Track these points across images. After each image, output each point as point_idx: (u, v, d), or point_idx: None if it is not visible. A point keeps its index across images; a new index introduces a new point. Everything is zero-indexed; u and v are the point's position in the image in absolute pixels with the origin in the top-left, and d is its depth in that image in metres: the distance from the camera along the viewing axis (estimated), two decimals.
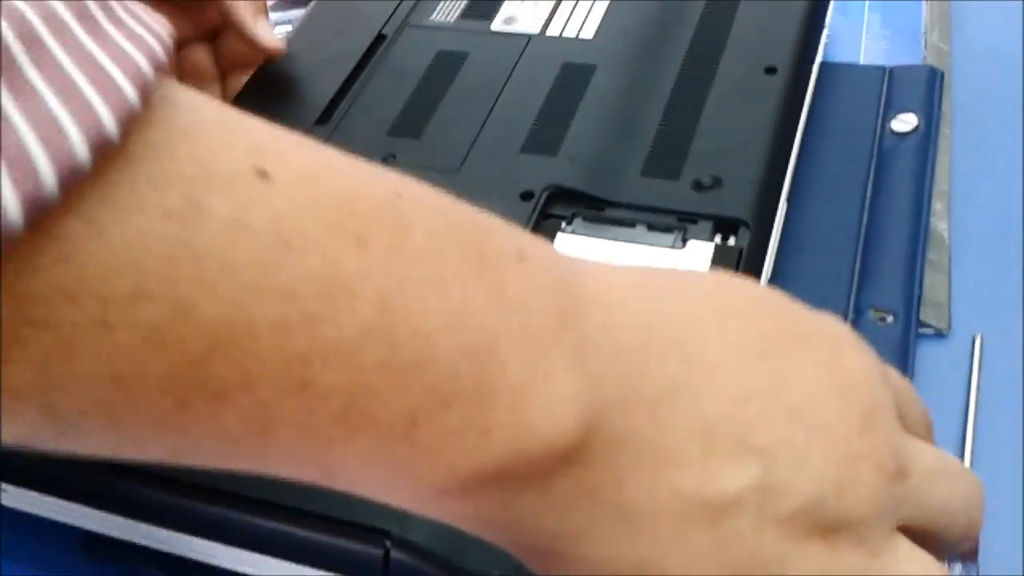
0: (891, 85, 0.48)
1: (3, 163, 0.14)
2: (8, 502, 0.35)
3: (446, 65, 0.46)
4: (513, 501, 0.20)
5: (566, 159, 0.41)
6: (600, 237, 0.38)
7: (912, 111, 0.46)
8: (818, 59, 0.47)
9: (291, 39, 0.50)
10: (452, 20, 0.49)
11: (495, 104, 0.43)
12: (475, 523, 0.21)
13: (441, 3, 0.50)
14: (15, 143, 0.14)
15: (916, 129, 0.45)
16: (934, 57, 0.50)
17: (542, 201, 0.39)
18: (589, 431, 0.20)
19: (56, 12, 0.16)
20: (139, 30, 0.17)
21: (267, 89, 0.47)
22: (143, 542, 0.33)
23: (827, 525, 0.21)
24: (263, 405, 0.17)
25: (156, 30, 0.18)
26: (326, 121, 0.44)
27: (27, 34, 0.15)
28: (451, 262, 0.19)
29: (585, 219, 0.39)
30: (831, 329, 0.24)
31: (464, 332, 0.18)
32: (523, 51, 0.46)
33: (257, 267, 0.17)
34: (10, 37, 0.15)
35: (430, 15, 0.49)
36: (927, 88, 0.47)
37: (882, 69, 0.48)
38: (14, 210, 0.14)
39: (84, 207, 0.15)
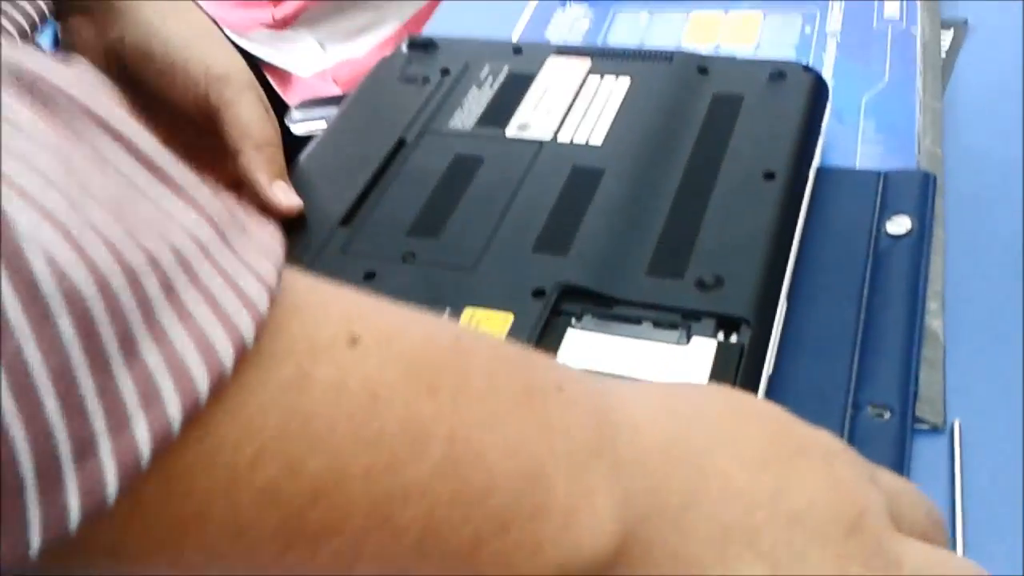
0: (886, 189, 0.50)
1: (172, 379, 0.17)
2: None
3: (463, 168, 0.49)
4: None
5: (576, 258, 0.43)
6: (608, 333, 0.40)
7: (906, 214, 0.48)
8: (815, 164, 0.50)
9: (317, 144, 0.53)
10: (469, 127, 0.52)
11: (509, 205, 0.46)
12: None
13: (459, 111, 0.53)
14: (178, 360, 0.17)
15: (910, 231, 0.47)
16: (927, 161, 0.52)
17: (554, 298, 0.41)
18: (625, 542, 0.22)
19: (201, 238, 0.18)
20: (265, 239, 0.20)
21: (296, 190, 0.50)
22: None
23: None
24: (352, 543, 0.20)
25: (274, 232, 0.21)
26: (349, 221, 0.47)
27: (183, 259, 0.18)
28: (504, 397, 0.22)
29: (594, 316, 0.41)
30: (825, 442, 0.27)
31: (519, 460, 0.21)
32: (536, 156, 0.49)
33: (353, 420, 0.19)
34: (171, 264, 0.17)
35: (449, 122, 0.52)
36: (920, 192, 0.49)
37: (877, 173, 0.51)
38: (176, 418, 0.17)
39: (220, 393, 0.18)
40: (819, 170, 0.51)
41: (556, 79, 0.54)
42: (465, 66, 0.56)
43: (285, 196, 0.46)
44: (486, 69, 0.56)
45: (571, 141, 0.50)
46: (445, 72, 0.56)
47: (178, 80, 0.47)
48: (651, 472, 0.23)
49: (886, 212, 0.48)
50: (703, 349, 0.39)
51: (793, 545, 0.24)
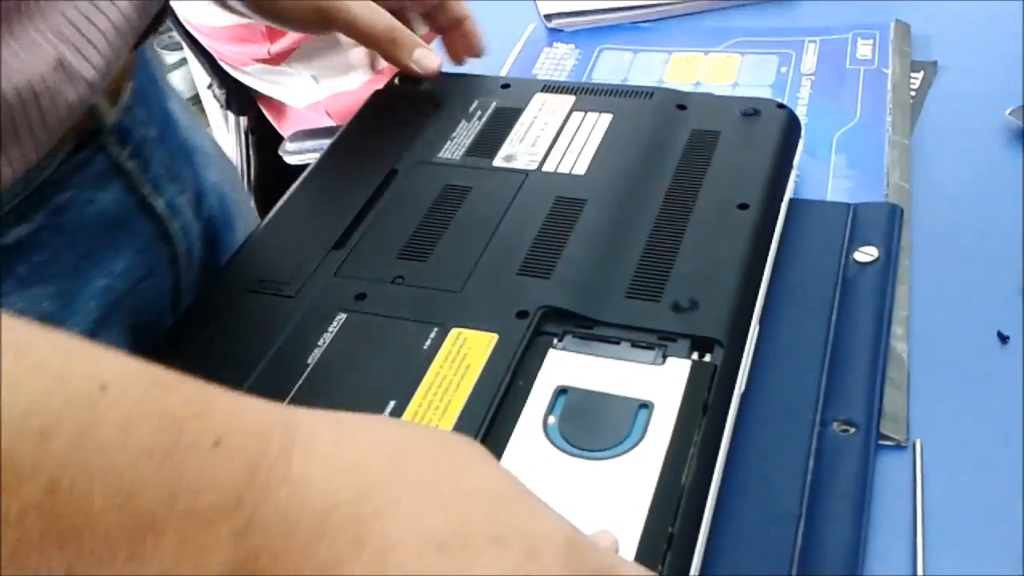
0: (855, 220, 0.52)
1: None
2: None
3: (451, 197, 0.51)
4: None
5: (559, 282, 0.45)
6: (588, 353, 0.42)
7: (873, 244, 0.50)
8: (787, 196, 0.52)
9: (313, 172, 0.55)
10: (458, 157, 0.54)
11: (495, 232, 0.48)
12: None
13: (448, 143, 0.55)
14: None
15: (877, 260, 0.49)
16: (895, 194, 0.55)
17: (536, 319, 0.43)
18: None
19: None
20: None
21: (290, 217, 0.52)
22: None
23: None
24: None
25: None
26: (342, 246, 0.49)
27: None
28: (132, 453, 0.23)
29: (575, 336, 0.43)
30: (540, 533, 0.27)
31: (125, 512, 0.23)
32: (521, 185, 0.51)
33: None
34: None
35: (438, 153, 0.54)
36: (888, 223, 0.52)
37: (847, 206, 0.53)
38: None
39: None
40: (792, 201, 0.53)
41: (542, 114, 0.57)
42: (455, 100, 0.59)
43: (428, 61, 0.58)
44: (475, 103, 0.58)
45: (555, 171, 0.52)
46: (436, 106, 0.59)
47: (296, 14, 0.56)
48: (294, 535, 0.25)
49: (855, 242, 0.51)
50: (678, 368, 0.41)
51: None
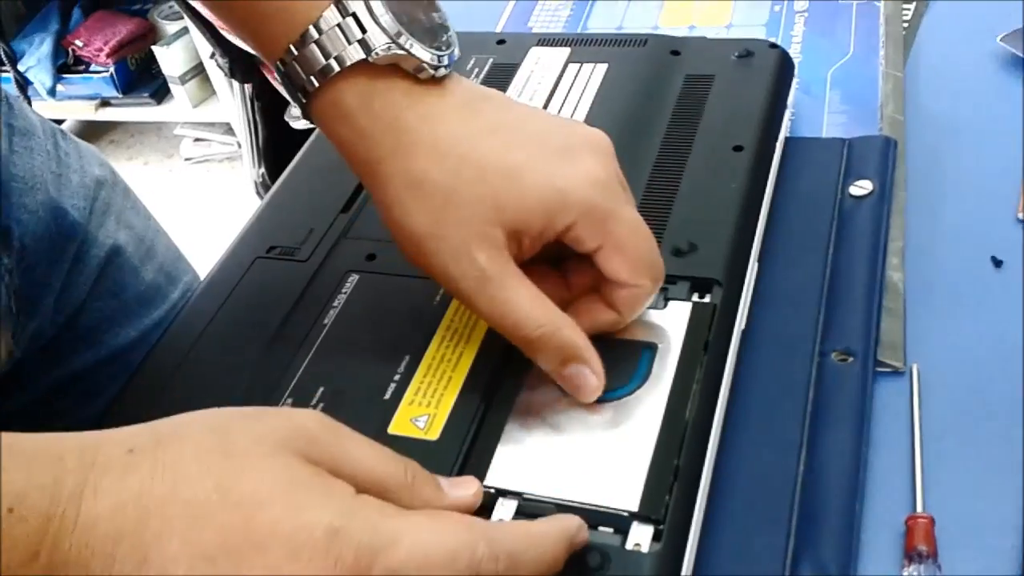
0: (850, 154, 0.53)
1: None
2: None
3: None
4: None
5: None
6: None
7: (868, 177, 0.51)
8: (782, 135, 0.53)
9: (316, 139, 0.56)
10: None
11: None
12: None
13: None
14: None
15: (871, 193, 0.50)
16: (889, 128, 0.56)
17: None
18: None
19: None
20: None
21: (301, 184, 0.53)
22: None
23: None
24: None
25: None
26: (349, 208, 0.50)
27: None
28: None
29: None
30: (287, 532, 0.29)
31: None
32: None
33: None
34: None
35: None
36: (882, 156, 0.52)
37: (842, 141, 0.54)
38: None
39: None
40: (788, 140, 0.54)
41: (538, 68, 0.58)
42: None
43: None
44: (472, 61, 0.59)
45: None
46: None
47: None
48: (87, 570, 0.28)
49: (850, 176, 0.52)
50: (679, 311, 0.42)
51: None
